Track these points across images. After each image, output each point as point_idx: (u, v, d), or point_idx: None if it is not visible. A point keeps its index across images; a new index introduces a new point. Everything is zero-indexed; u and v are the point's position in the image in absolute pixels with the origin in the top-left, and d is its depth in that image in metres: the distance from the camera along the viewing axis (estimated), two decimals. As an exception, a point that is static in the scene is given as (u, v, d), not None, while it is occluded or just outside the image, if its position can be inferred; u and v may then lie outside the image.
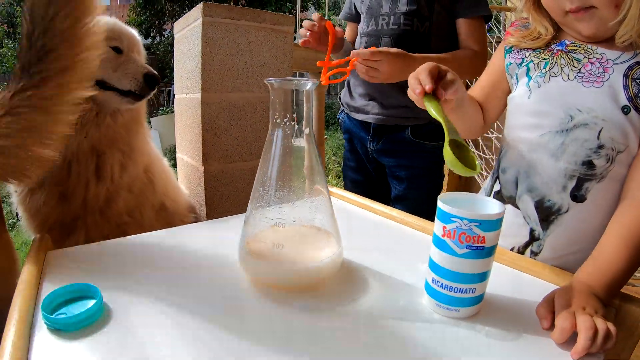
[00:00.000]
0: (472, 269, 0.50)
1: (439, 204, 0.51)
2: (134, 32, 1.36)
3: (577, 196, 0.73)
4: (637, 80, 0.69)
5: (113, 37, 1.21)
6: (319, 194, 0.59)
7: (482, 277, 0.52)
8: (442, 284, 0.52)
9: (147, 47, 10.56)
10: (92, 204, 1.23)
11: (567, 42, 0.76)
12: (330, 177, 4.66)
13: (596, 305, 0.54)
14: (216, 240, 0.78)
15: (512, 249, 0.79)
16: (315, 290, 0.59)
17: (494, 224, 0.48)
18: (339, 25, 1.40)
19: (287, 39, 1.68)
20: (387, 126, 1.26)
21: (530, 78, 0.78)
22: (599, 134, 0.70)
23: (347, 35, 1.42)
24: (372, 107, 1.27)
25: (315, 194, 0.59)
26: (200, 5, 1.50)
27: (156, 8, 9.38)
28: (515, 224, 0.79)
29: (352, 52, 1.05)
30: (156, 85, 1.24)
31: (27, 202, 1.21)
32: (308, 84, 0.52)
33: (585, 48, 0.74)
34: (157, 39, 10.10)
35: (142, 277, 0.62)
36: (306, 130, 0.54)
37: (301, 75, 1.88)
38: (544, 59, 0.77)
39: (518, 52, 0.82)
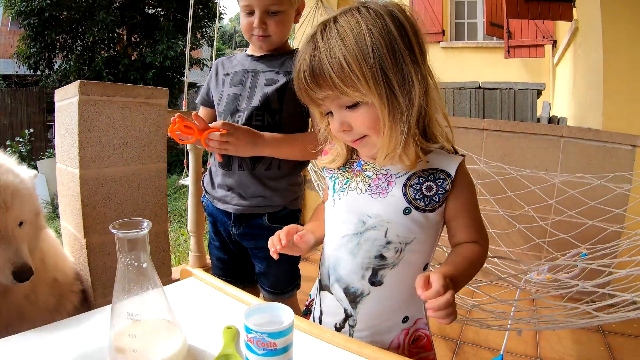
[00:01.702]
0: (271, 364, 0.67)
1: (243, 318, 0.68)
2: (21, 176, 1.29)
3: (375, 282, 0.91)
4: (414, 186, 0.89)
5: None
6: (157, 299, 0.75)
7: (283, 367, 0.69)
8: (254, 373, 0.69)
9: (36, 82, 10.00)
10: None
11: (362, 162, 0.96)
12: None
13: (450, 284, 0.76)
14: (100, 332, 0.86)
15: (335, 324, 0.97)
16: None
17: (283, 333, 0.66)
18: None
19: (161, 112, 1.80)
20: (246, 214, 1.39)
21: (334, 191, 0.97)
22: (385, 233, 0.89)
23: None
24: (231, 198, 1.38)
25: (155, 300, 0.74)
26: (77, 84, 1.58)
27: (46, 40, 8.96)
28: (333, 306, 0.97)
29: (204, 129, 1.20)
30: (28, 279, 1.20)
31: None
32: (145, 230, 0.69)
33: (374, 166, 0.94)
34: (47, 72, 9.61)
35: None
36: (144, 265, 0.70)
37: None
38: (346, 177, 0.97)
39: (329, 169, 1.02)
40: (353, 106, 0.85)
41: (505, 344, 2.03)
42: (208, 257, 2.55)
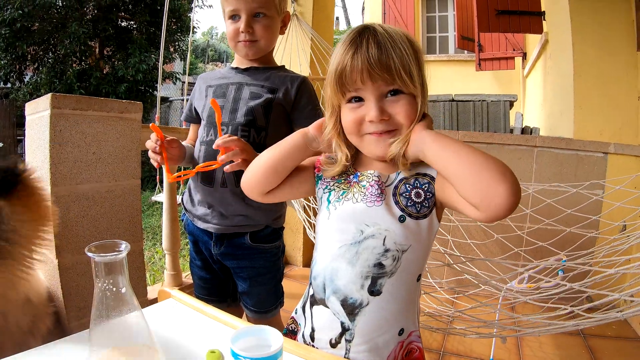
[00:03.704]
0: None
1: (230, 343, 0.65)
2: None
3: (374, 291, 0.90)
4: (404, 194, 0.91)
5: None
6: (136, 324, 0.71)
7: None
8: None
9: (6, 94, 9.68)
10: None
11: (358, 174, 0.96)
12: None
13: None
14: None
15: (330, 340, 0.94)
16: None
17: (271, 358, 0.63)
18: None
19: (135, 126, 1.76)
20: (228, 234, 1.36)
21: (329, 202, 0.96)
22: (384, 241, 0.89)
23: (190, 137, 1.49)
24: (212, 216, 1.35)
25: (134, 325, 0.70)
26: (48, 97, 1.53)
27: (17, 52, 8.70)
28: (328, 320, 0.94)
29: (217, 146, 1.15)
30: None
31: None
32: (123, 252, 0.65)
33: (366, 174, 0.94)
34: (17, 84, 9.31)
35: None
36: (122, 290, 0.66)
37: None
38: (342, 188, 0.96)
39: (324, 181, 1.00)
40: (395, 94, 0.89)
41: (493, 351, 2.03)
42: (184, 275, 2.49)
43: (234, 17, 1.32)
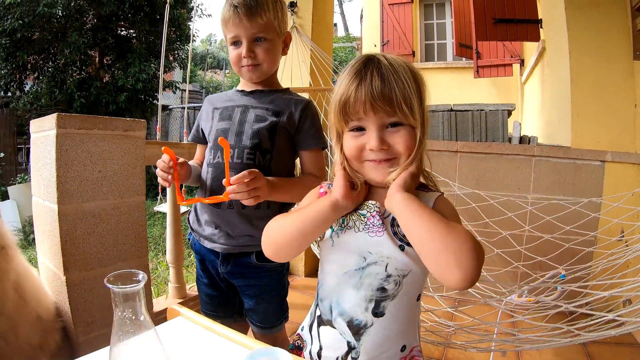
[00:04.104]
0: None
1: (244, 365, 0.68)
2: None
3: (377, 313, 0.95)
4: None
5: None
6: (154, 349, 0.74)
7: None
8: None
9: (6, 104, 9.73)
10: None
11: None
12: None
13: None
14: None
15: (337, 358, 0.99)
16: None
17: None
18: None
19: (139, 144, 1.78)
20: (234, 253, 1.40)
21: (332, 230, 0.99)
22: (386, 267, 0.94)
23: (197, 157, 1.53)
24: (218, 236, 1.39)
25: (152, 349, 0.73)
26: (54, 117, 1.55)
27: (18, 62, 8.72)
28: (335, 340, 0.99)
29: (229, 183, 1.16)
30: None
31: None
32: (141, 282, 0.68)
33: (366, 204, 0.97)
34: (18, 94, 9.31)
35: None
36: (141, 318, 0.70)
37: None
38: (341, 216, 0.98)
39: None
40: (395, 125, 0.92)
41: (492, 358, 2.05)
42: (188, 287, 2.51)
43: (235, 43, 1.37)
